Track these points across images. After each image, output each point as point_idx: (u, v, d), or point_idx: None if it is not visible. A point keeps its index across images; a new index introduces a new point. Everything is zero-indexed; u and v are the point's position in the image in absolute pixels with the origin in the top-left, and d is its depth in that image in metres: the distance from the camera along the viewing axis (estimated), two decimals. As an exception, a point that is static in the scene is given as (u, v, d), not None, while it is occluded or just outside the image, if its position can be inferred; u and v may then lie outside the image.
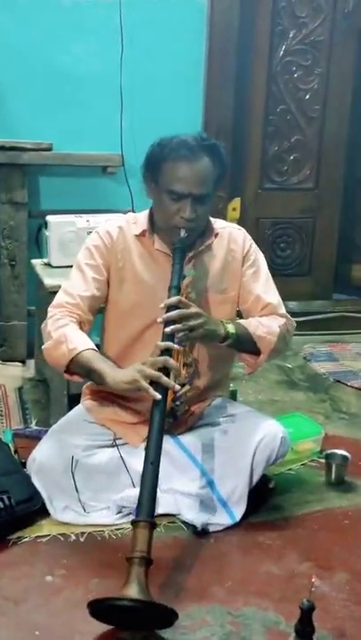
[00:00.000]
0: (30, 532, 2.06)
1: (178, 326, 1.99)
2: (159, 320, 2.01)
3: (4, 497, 2.03)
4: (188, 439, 2.25)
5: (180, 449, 2.23)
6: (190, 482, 2.18)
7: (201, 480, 2.17)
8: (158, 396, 1.90)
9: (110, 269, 2.19)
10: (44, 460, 2.13)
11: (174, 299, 2.01)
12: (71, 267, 2.24)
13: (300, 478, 2.46)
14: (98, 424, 2.26)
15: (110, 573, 1.87)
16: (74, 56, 3.27)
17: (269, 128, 3.83)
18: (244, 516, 2.14)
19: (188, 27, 3.43)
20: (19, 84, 3.23)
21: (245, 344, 2.17)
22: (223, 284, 2.24)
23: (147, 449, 1.89)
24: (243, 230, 2.32)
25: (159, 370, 1.94)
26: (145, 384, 1.91)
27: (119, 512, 2.13)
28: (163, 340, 1.98)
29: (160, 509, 2.06)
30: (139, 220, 2.22)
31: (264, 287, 2.26)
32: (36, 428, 2.71)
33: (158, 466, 1.86)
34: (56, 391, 2.74)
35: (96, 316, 2.23)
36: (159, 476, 1.86)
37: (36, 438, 2.38)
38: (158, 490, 1.88)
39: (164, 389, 1.93)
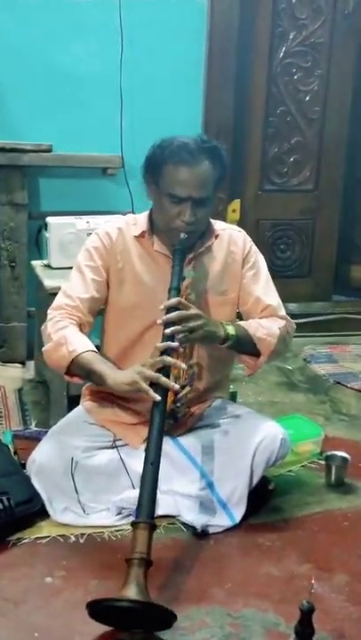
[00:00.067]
0: (30, 533, 2.06)
1: (178, 328, 1.99)
2: (159, 321, 2.01)
3: (4, 498, 2.03)
4: (188, 441, 2.25)
5: (180, 450, 2.23)
6: (190, 483, 2.18)
7: (201, 481, 2.17)
8: (158, 398, 1.91)
9: (110, 271, 2.19)
10: (43, 461, 2.13)
11: (174, 300, 2.01)
12: (71, 268, 2.24)
13: (300, 480, 2.46)
14: (98, 425, 2.26)
15: (110, 575, 1.87)
16: (74, 56, 3.27)
17: (269, 129, 3.83)
18: (244, 518, 2.14)
19: (188, 27, 3.43)
20: (18, 85, 3.23)
21: (245, 346, 2.17)
22: (223, 285, 2.24)
23: (147, 450, 1.89)
24: (243, 232, 2.32)
25: (159, 371, 1.94)
26: (145, 385, 1.92)
27: (119, 513, 2.13)
28: (163, 342, 1.98)
29: (160, 511, 2.05)
30: (138, 222, 2.22)
31: (264, 289, 2.26)
32: (35, 429, 2.71)
33: (158, 467, 1.86)
34: (56, 392, 2.74)
35: (96, 318, 2.24)
36: (159, 477, 1.86)
37: (35, 439, 2.37)
38: (158, 491, 1.88)
39: (163, 390, 1.93)
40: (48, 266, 2.99)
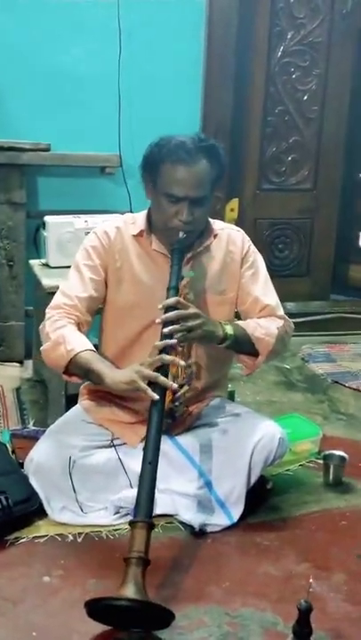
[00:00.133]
0: (28, 532, 2.06)
1: (176, 327, 1.99)
2: (157, 321, 2.00)
3: (2, 497, 2.03)
4: (186, 440, 2.25)
5: (178, 449, 2.23)
6: (188, 482, 2.18)
7: (199, 481, 2.17)
8: (156, 397, 1.91)
9: (108, 270, 2.19)
10: (41, 460, 2.13)
11: (173, 299, 2.01)
12: (69, 267, 2.24)
13: (298, 479, 2.46)
14: (96, 424, 2.26)
15: (108, 574, 1.87)
16: (72, 56, 3.27)
17: (268, 129, 3.83)
18: (242, 517, 2.14)
19: (187, 27, 3.43)
20: (17, 85, 3.23)
21: (244, 345, 2.17)
22: (222, 285, 2.24)
23: (145, 449, 1.89)
24: (241, 232, 2.32)
25: (157, 370, 1.94)
26: (143, 385, 1.92)
27: (117, 512, 2.13)
28: (161, 341, 1.98)
29: (158, 510, 2.05)
30: (137, 221, 2.22)
31: (263, 289, 2.26)
32: (33, 428, 2.71)
33: (156, 466, 1.86)
34: (54, 391, 2.74)
35: (94, 317, 2.23)
36: (157, 476, 1.86)
37: (33, 439, 2.38)
38: (156, 490, 1.87)
39: (162, 389, 1.93)
40: (46, 265, 2.99)
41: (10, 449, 2.42)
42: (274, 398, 3.16)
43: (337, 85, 3.84)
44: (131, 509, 2.00)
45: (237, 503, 2.13)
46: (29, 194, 3.29)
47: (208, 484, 2.16)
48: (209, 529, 2.10)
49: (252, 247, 2.30)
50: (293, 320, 2.33)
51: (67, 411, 2.42)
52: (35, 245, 3.22)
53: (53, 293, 2.23)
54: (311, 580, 1.79)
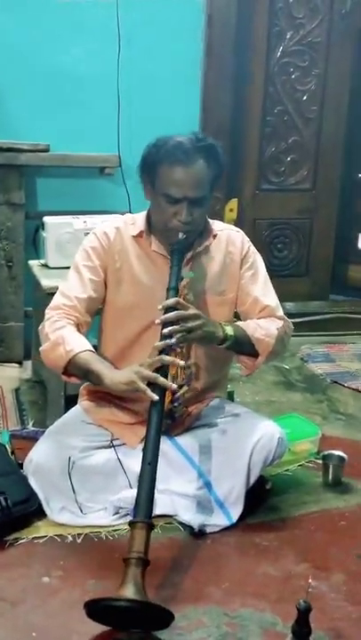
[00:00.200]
0: (27, 533, 2.06)
1: (176, 327, 1.99)
2: (157, 321, 2.00)
3: (1, 498, 2.03)
4: (186, 440, 2.25)
5: (178, 450, 2.23)
6: (187, 483, 2.18)
7: (198, 481, 2.17)
8: (156, 398, 1.91)
9: (107, 270, 2.19)
10: (41, 461, 2.13)
11: (172, 300, 2.01)
12: (68, 268, 2.24)
13: (297, 479, 2.46)
14: (95, 425, 2.26)
15: (107, 574, 1.87)
16: (72, 56, 3.27)
17: (267, 129, 3.83)
18: (241, 517, 2.14)
19: (186, 26, 3.43)
20: (16, 84, 3.22)
21: (243, 346, 2.17)
22: (221, 285, 2.24)
23: (144, 449, 1.89)
24: (241, 232, 2.32)
25: (156, 370, 1.94)
26: (142, 385, 1.92)
27: (116, 513, 2.13)
28: (160, 342, 1.98)
29: (157, 510, 2.05)
30: (136, 221, 2.22)
31: (262, 289, 2.26)
32: (33, 429, 2.71)
33: (156, 466, 1.86)
34: (53, 392, 2.74)
35: (94, 318, 2.23)
36: (156, 476, 1.86)
37: (32, 439, 2.38)
38: (155, 491, 1.88)
39: (161, 390, 1.94)
40: (45, 265, 2.98)
41: (9, 449, 2.42)
42: (273, 398, 3.16)
43: (336, 85, 3.84)
44: (130, 510, 2.00)
45: (237, 503, 2.14)
46: (28, 194, 3.29)
47: (207, 485, 2.16)
48: (208, 529, 2.11)
49: (252, 248, 2.30)
50: (292, 320, 2.33)
51: (66, 411, 2.42)
52: (34, 246, 3.22)
53: (53, 294, 2.23)
54: (310, 580, 1.79)
